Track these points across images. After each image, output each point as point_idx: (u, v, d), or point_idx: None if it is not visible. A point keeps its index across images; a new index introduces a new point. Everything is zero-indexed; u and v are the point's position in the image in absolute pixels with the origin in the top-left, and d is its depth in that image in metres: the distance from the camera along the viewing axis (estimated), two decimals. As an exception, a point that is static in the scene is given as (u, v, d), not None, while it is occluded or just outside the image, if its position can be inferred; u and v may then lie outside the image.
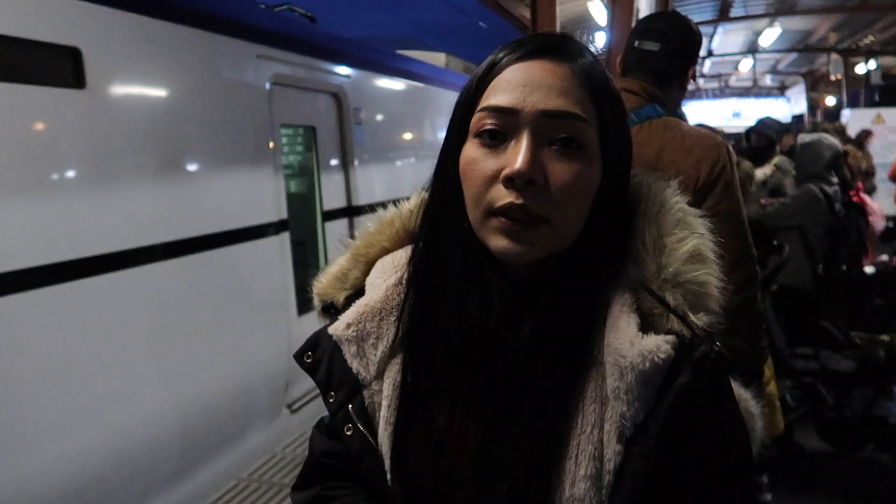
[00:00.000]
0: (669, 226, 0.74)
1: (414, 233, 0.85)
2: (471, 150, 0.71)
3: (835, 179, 3.96)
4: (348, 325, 0.81)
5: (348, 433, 0.80)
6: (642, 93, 1.79)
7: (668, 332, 0.69)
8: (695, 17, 12.31)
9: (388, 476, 0.78)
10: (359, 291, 0.86)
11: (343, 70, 4.70)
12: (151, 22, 2.95)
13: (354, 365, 0.80)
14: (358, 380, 0.80)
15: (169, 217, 3.03)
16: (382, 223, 0.89)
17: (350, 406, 0.80)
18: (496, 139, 0.69)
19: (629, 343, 0.68)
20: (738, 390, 1.01)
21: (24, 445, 2.35)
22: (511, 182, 0.67)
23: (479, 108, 0.71)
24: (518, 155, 0.67)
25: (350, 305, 0.84)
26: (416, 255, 0.81)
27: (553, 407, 0.70)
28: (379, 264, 0.86)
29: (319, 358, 0.83)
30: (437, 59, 7.86)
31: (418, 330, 0.78)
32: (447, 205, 0.75)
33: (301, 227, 4.32)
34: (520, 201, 0.67)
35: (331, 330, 0.82)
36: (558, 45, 0.71)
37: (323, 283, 0.89)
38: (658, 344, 0.67)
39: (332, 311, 0.87)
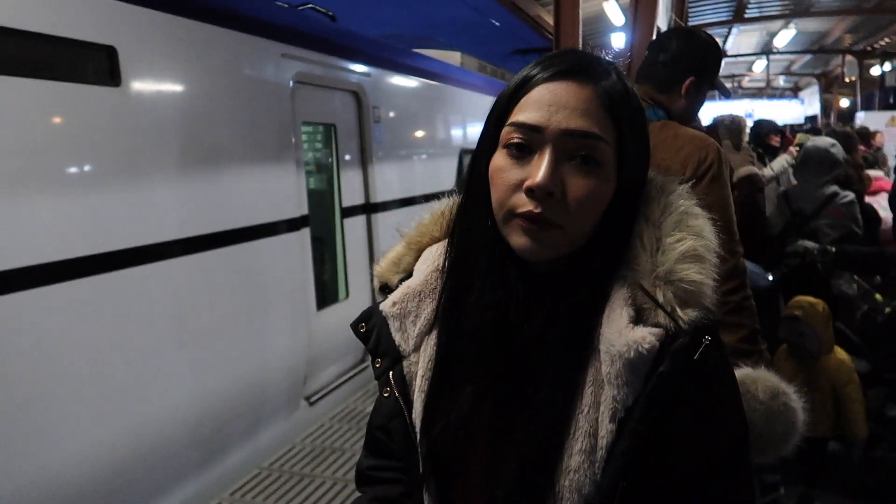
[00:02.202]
0: (669, 227, 0.80)
1: None
2: (499, 159, 0.79)
3: (812, 178, 3.98)
4: (394, 304, 0.92)
5: (385, 395, 0.90)
6: (646, 97, 1.95)
7: (655, 326, 0.75)
8: (709, 18, 12.32)
9: (419, 438, 0.87)
10: (410, 275, 0.96)
11: (362, 69, 4.76)
12: (183, 21, 3.02)
13: (397, 338, 0.91)
14: (399, 351, 0.90)
15: (195, 212, 3.11)
16: (434, 214, 0.97)
17: (391, 373, 0.90)
18: (522, 151, 0.77)
19: (618, 333, 0.75)
20: (780, 384, 1.07)
21: (60, 435, 2.44)
22: (532, 192, 0.75)
23: (509, 122, 0.78)
24: (540, 169, 0.74)
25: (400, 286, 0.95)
26: (451, 247, 0.90)
27: (560, 389, 0.78)
28: (426, 252, 0.96)
29: (371, 329, 0.94)
30: (453, 57, 7.90)
31: (451, 313, 0.87)
32: (478, 203, 0.84)
33: (320, 223, 4.39)
34: (538, 210, 0.75)
35: (381, 306, 0.93)
36: (584, 68, 0.78)
37: (382, 267, 0.98)
38: (644, 335, 0.73)
39: (387, 291, 0.97)
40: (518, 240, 0.77)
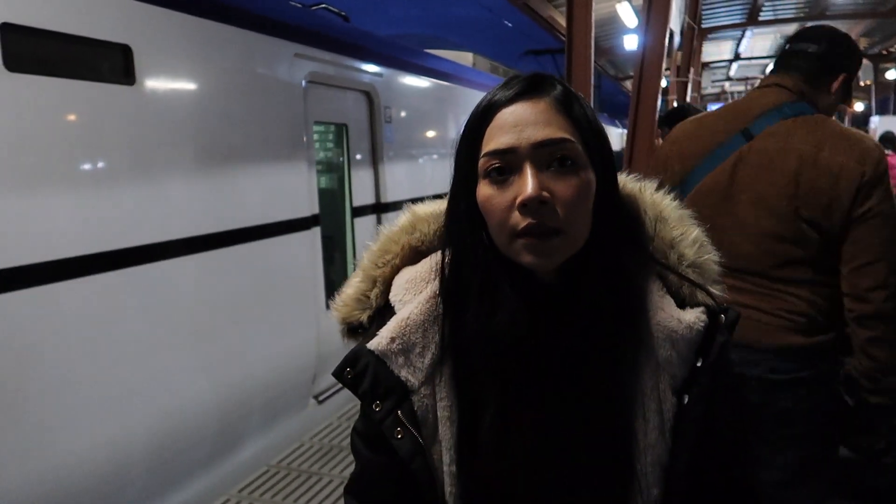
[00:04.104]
0: (673, 222, 0.91)
1: (418, 248, 0.96)
2: (485, 189, 0.83)
3: None
4: (392, 339, 0.88)
5: (398, 437, 0.86)
6: (794, 89, 1.85)
7: (697, 305, 0.87)
8: (723, 21, 12.27)
9: (449, 468, 0.86)
10: (380, 309, 0.93)
11: (374, 69, 4.78)
12: (197, 20, 3.05)
13: (402, 374, 0.87)
14: (406, 387, 0.87)
15: (206, 210, 3.13)
16: (388, 240, 0.97)
17: (399, 412, 0.86)
18: (503, 175, 0.81)
19: (677, 320, 0.85)
20: None
21: (79, 427, 2.47)
22: (525, 207, 0.79)
23: (483, 153, 0.83)
24: (527, 184, 0.79)
25: (374, 323, 0.92)
26: (444, 278, 0.89)
27: (615, 380, 0.85)
28: (401, 281, 0.93)
29: (360, 372, 0.89)
30: (465, 58, 7.91)
31: (460, 339, 0.87)
32: (465, 235, 0.87)
33: (331, 222, 4.41)
34: (536, 221, 0.79)
35: (371, 346, 0.88)
36: (533, 85, 0.85)
37: (345, 307, 0.95)
38: (697, 316, 0.85)
39: (359, 330, 0.94)
40: (526, 257, 0.81)
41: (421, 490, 0.87)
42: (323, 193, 4.20)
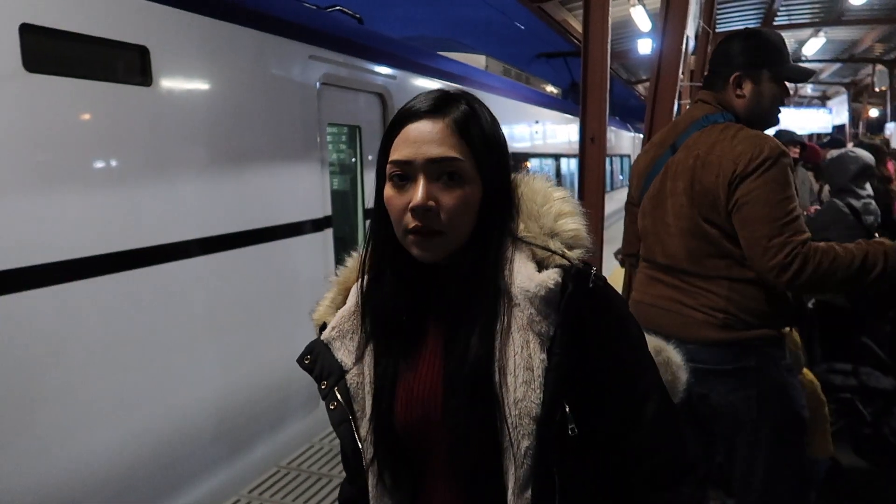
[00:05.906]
0: (539, 202, 1.04)
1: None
2: (388, 190, 0.99)
3: (864, 192, 3.88)
4: (333, 328, 1.09)
5: (332, 408, 1.04)
6: (714, 102, 2.05)
7: (555, 268, 0.97)
8: (737, 26, 12.18)
9: (369, 436, 1.02)
10: None
11: (388, 71, 4.78)
12: (212, 22, 3.05)
13: (339, 356, 1.07)
14: (342, 367, 1.06)
15: (218, 211, 3.13)
16: (356, 260, 1.15)
17: (336, 388, 1.05)
18: (403, 180, 0.97)
19: (529, 280, 0.96)
20: (658, 342, 1.23)
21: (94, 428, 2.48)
22: (414, 211, 0.95)
23: (389, 160, 0.98)
24: (417, 192, 0.95)
25: None
26: (363, 263, 1.08)
27: (483, 341, 0.97)
28: (353, 287, 1.13)
29: (315, 358, 1.09)
30: (478, 61, 7.92)
31: (366, 311, 1.06)
32: (378, 226, 1.04)
33: (343, 223, 4.41)
34: (422, 224, 0.95)
35: (322, 336, 1.10)
36: (438, 106, 0.99)
37: (319, 312, 1.15)
38: (549, 275, 0.96)
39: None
40: (414, 250, 0.97)
41: (347, 458, 1.05)
42: (335, 195, 4.20)
